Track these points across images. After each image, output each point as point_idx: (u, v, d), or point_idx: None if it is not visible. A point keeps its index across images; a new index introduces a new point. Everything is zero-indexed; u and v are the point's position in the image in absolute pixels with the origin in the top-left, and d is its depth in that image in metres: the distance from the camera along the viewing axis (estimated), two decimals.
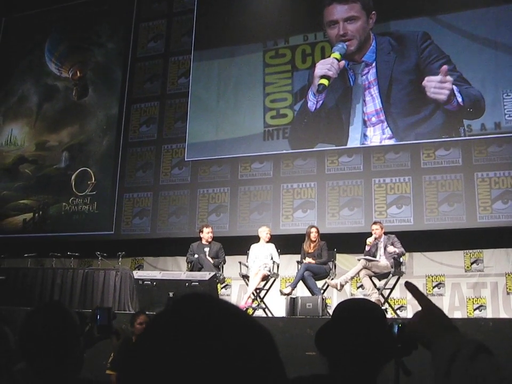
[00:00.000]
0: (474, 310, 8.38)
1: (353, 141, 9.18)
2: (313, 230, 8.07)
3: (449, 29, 9.05)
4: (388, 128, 9.02)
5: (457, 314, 8.27)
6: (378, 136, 9.08)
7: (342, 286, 7.50)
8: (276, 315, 7.50)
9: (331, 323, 1.81)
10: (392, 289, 7.67)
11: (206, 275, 7.48)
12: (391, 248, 7.63)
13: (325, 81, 9.31)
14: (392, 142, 9.01)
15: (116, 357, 4.84)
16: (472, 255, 8.66)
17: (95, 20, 11.73)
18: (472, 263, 8.63)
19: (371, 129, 9.14)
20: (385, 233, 7.83)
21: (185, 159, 10.16)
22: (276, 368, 0.71)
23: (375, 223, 7.95)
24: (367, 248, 7.74)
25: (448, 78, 8.75)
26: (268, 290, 8.14)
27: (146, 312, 5.71)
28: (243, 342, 0.69)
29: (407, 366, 2.35)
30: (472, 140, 8.57)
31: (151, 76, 10.99)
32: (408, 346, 2.27)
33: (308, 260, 7.90)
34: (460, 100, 8.69)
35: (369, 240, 7.71)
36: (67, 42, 11.98)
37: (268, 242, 8.27)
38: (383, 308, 6.70)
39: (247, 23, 10.29)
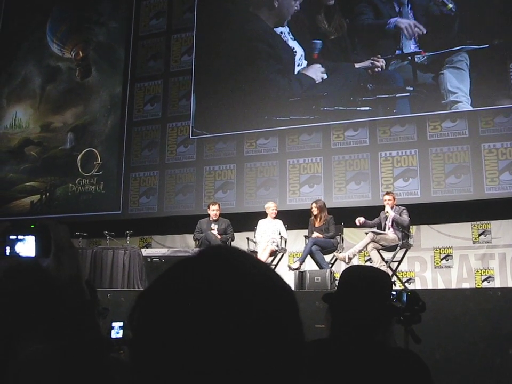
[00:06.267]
0: (483, 281, 8.38)
1: None
2: (313, 205, 8.03)
3: None
4: None
5: (466, 286, 8.29)
6: None
7: (350, 259, 7.50)
8: None
9: (337, 286, 1.84)
10: (400, 261, 7.69)
11: None
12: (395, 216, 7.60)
13: None
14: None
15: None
16: (480, 226, 8.64)
17: None
18: (480, 235, 8.62)
19: None
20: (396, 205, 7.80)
21: (191, 137, 10.14)
22: (294, 327, 0.71)
23: (387, 193, 7.89)
24: (387, 220, 7.68)
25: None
26: (276, 265, 8.16)
27: None
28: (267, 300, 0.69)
29: (416, 334, 2.37)
30: (479, 111, 8.50)
31: (154, 54, 10.92)
32: (417, 314, 2.28)
33: (315, 234, 7.91)
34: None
35: (387, 210, 7.66)
36: (68, 22, 11.88)
37: (274, 218, 8.30)
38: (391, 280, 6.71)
39: None
